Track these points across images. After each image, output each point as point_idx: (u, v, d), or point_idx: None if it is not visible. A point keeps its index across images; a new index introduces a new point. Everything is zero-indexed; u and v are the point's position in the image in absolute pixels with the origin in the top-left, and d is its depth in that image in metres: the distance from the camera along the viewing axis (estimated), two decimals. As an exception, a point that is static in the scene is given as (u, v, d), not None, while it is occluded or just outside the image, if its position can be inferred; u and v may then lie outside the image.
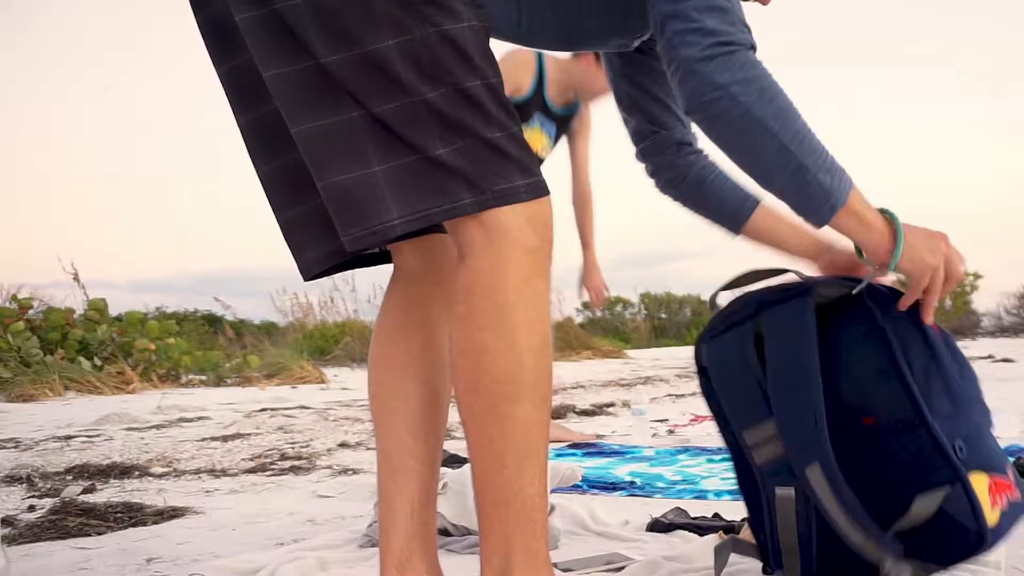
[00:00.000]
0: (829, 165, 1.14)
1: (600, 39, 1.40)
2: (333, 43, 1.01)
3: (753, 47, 1.14)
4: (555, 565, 1.24)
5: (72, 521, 2.13)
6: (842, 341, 1.19)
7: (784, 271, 1.30)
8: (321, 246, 1.15)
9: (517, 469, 1.05)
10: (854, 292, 1.20)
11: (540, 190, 1.06)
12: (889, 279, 1.27)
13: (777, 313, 1.21)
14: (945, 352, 1.20)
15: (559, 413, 4.70)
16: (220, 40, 1.15)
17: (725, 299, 1.31)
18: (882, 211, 1.21)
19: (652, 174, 1.58)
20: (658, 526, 1.80)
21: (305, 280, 1.19)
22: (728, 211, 1.51)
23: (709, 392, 1.29)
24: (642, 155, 1.58)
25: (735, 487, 1.31)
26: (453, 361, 1.08)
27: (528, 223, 1.05)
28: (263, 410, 5.57)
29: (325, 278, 1.25)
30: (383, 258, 1.25)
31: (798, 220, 1.26)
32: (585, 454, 3.10)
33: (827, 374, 1.17)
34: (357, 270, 1.28)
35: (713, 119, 1.14)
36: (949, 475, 1.12)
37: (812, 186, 1.13)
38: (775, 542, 1.23)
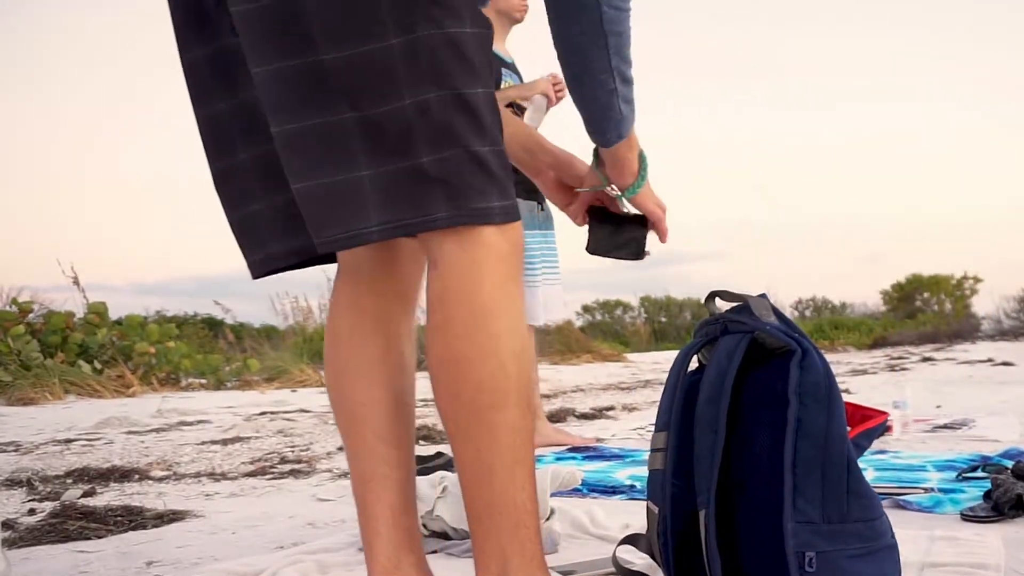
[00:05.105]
0: (631, 99, 1.20)
1: None
2: (338, 40, 0.99)
3: None
4: (555, 569, 1.24)
5: (72, 524, 2.13)
6: (749, 396, 1.15)
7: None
8: (283, 243, 1.11)
9: (508, 476, 1.04)
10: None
11: (511, 215, 1.05)
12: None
13: (721, 345, 1.19)
14: (840, 456, 1.09)
15: (559, 417, 4.70)
16: (190, 26, 1.10)
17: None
18: None
19: None
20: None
21: (253, 278, 1.15)
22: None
23: None
24: None
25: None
26: (431, 372, 1.06)
27: (499, 230, 1.04)
28: (263, 413, 5.56)
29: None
30: (331, 258, 1.20)
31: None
32: (585, 458, 3.10)
33: (731, 421, 1.14)
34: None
35: None
36: None
37: (616, 111, 1.19)
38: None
